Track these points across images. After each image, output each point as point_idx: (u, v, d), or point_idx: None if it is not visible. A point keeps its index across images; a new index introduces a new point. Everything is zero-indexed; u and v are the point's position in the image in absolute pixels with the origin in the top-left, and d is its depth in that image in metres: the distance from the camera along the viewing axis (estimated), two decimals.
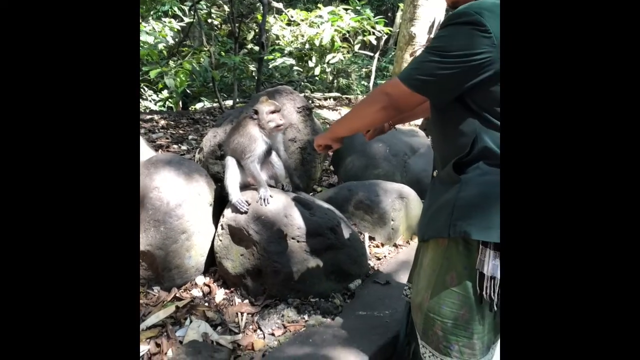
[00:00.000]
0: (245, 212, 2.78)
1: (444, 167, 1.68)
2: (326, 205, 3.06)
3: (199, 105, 7.54)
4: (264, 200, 2.78)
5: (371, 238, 3.48)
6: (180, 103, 8.16)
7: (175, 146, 5.11)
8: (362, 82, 10.13)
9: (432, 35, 7.59)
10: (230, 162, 2.90)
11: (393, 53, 11.53)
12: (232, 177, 2.86)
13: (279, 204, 2.81)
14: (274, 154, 2.97)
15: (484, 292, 1.58)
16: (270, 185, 2.93)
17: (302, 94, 8.11)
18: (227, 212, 2.89)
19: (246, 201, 2.81)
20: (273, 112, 2.77)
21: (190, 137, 5.57)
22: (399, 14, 13.06)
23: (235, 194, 2.84)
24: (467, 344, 1.68)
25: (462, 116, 1.57)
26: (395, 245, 3.52)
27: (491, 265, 1.55)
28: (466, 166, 1.59)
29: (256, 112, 2.81)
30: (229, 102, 6.92)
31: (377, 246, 3.45)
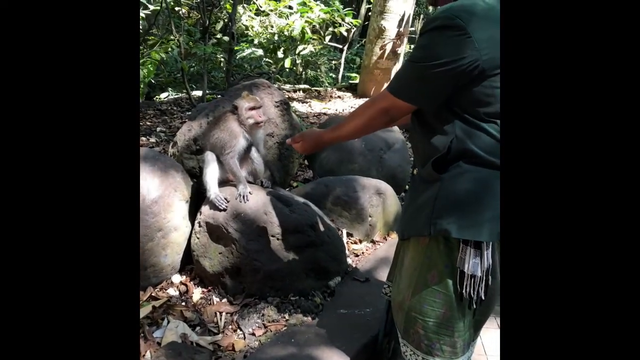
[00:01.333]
0: (224, 210, 2.72)
1: (423, 166, 1.67)
2: (305, 201, 3.02)
3: (163, 96, 7.35)
4: (243, 197, 2.72)
5: (349, 234, 3.46)
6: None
7: (143, 138, 4.96)
8: (331, 74, 10.09)
9: (401, 29, 7.62)
10: (210, 157, 2.82)
11: (359, 45, 11.54)
12: (212, 172, 2.79)
13: (258, 201, 2.76)
14: (253, 149, 2.91)
15: (464, 291, 1.60)
16: (249, 182, 2.87)
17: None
18: (205, 209, 2.82)
19: (225, 198, 2.75)
20: (252, 108, 2.70)
21: (158, 129, 5.42)
22: (364, 5, 13.07)
23: (213, 190, 2.76)
24: (448, 342, 1.69)
25: (441, 116, 1.56)
26: (373, 242, 3.51)
27: (471, 263, 1.56)
28: (446, 165, 1.58)
29: (236, 108, 2.74)
30: (198, 93, 6.77)
31: (355, 242, 3.43)
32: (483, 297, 1.61)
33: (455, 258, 1.59)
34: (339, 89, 8.82)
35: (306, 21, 6.68)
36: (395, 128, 4.52)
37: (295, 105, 7.20)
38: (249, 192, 2.75)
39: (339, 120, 4.48)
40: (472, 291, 1.59)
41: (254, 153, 2.91)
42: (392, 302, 1.89)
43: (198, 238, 2.83)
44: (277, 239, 2.70)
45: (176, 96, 7.26)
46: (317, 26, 7.36)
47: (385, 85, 7.16)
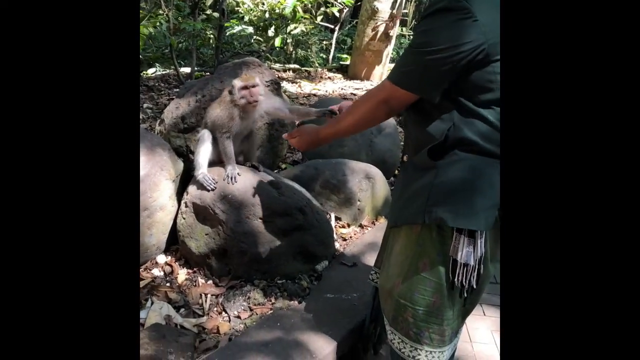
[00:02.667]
0: (213, 190, 2.67)
1: (416, 152, 1.64)
2: (294, 184, 2.98)
3: (150, 71, 7.21)
4: (232, 178, 2.67)
5: (337, 218, 3.44)
6: None
7: None
8: (321, 55, 9.97)
9: (394, 11, 7.53)
10: (206, 135, 2.76)
11: (350, 26, 11.41)
12: (204, 152, 2.73)
13: (246, 182, 2.71)
14: (252, 130, 2.84)
15: (456, 279, 1.58)
16: (239, 163, 2.81)
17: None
18: (192, 189, 2.77)
19: (214, 179, 2.69)
20: (245, 87, 2.63)
21: (145, 105, 5.32)
22: None
23: (202, 170, 2.71)
24: (437, 330, 1.68)
25: (439, 103, 1.52)
26: (361, 226, 3.49)
27: (465, 252, 1.54)
28: (442, 152, 1.55)
29: (232, 88, 2.67)
30: (186, 70, 6.64)
31: (343, 227, 3.41)
32: (475, 286, 1.59)
33: (448, 246, 1.57)
34: (330, 70, 8.73)
35: (298, 0, 6.56)
36: None
37: (285, 85, 7.12)
38: (237, 174, 2.70)
39: (330, 103, 4.44)
40: (464, 280, 1.57)
41: (252, 133, 2.84)
42: (380, 289, 1.87)
43: (184, 218, 2.78)
44: (265, 222, 2.66)
45: (164, 72, 7.13)
46: (309, 5, 7.23)
47: (378, 68, 7.08)
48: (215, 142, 2.75)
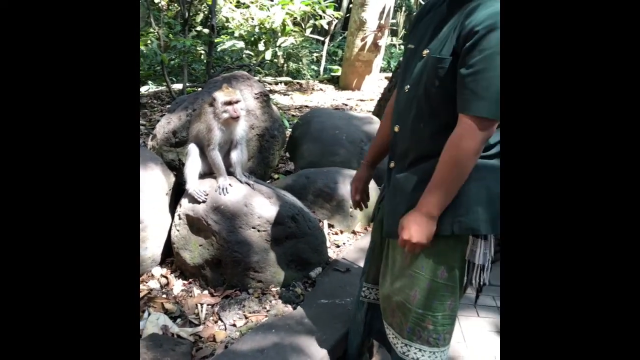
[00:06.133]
0: (203, 202, 2.72)
1: (416, 161, 1.67)
2: (285, 193, 3.02)
3: (144, 89, 7.28)
4: (223, 189, 2.72)
5: (330, 225, 3.48)
6: None
7: None
8: (312, 67, 10.07)
9: (382, 21, 7.62)
10: (193, 149, 2.81)
11: (341, 37, 11.52)
12: (192, 165, 2.78)
13: (238, 193, 2.76)
14: (237, 142, 2.89)
15: (474, 280, 1.65)
16: (230, 174, 2.86)
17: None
18: (184, 202, 2.81)
19: (204, 191, 2.74)
20: (229, 102, 2.67)
21: None
22: None
23: (192, 183, 2.76)
24: (449, 329, 1.76)
25: (454, 112, 1.51)
26: (354, 232, 3.53)
27: (482, 254, 1.61)
28: None
29: (214, 100, 2.72)
30: (178, 86, 6.72)
31: (336, 234, 3.45)
32: (487, 283, 1.66)
33: (464, 251, 1.63)
34: (321, 82, 8.82)
35: (287, 13, 6.64)
36: (376, 119, 4.54)
37: (277, 97, 7.19)
38: (229, 185, 2.75)
39: (322, 113, 4.49)
40: (480, 280, 1.65)
41: (236, 146, 2.89)
42: (385, 303, 1.87)
43: (178, 230, 2.83)
44: (258, 231, 2.71)
45: (156, 89, 7.20)
46: (298, 18, 7.33)
47: (368, 78, 7.04)
48: (203, 154, 2.80)
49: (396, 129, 1.76)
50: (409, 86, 1.68)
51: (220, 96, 2.69)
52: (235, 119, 2.72)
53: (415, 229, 1.59)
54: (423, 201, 1.58)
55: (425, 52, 1.59)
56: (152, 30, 5.71)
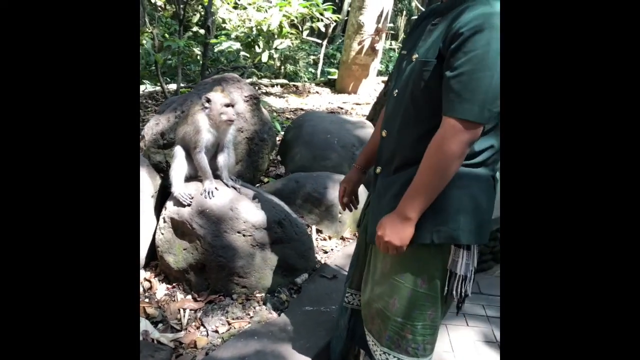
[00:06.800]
0: (189, 205, 2.68)
1: (404, 166, 1.64)
2: (273, 197, 2.99)
3: (141, 88, 7.26)
4: (209, 193, 2.68)
5: (319, 231, 3.45)
6: None
7: None
8: (310, 69, 10.05)
9: (380, 25, 7.60)
10: (179, 152, 2.78)
11: (341, 40, 11.51)
12: (178, 168, 2.74)
13: (224, 197, 2.72)
14: (224, 145, 2.85)
15: (454, 291, 1.61)
16: (217, 177, 2.83)
17: (249, 80, 7.96)
18: (170, 205, 2.78)
19: (189, 194, 2.71)
20: (228, 105, 2.66)
21: None
22: (347, 1, 13.03)
23: (177, 186, 2.72)
24: (430, 340, 1.72)
25: (440, 117, 1.48)
26: (343, 238, 3.50)
27: (464, 264, 1.58)
28: None
29: (208, 101, 2.68)
30: (173, 87, 6.69)
31: (325, 239, 3.42)
32: (469, 294, 1.63)
33: (446, 260, 1.60)
34: (318, 85, 8.78)
35: (284, 15, 6.62)
36: (369, 124, 4.51)
37: (272, 100, 7.16)
38: (215, 188, 2.71)
39: (314, 116, 4.46)
40: (461, 290, 1.61)
41: (223, 149, 2.86)
42: (365, 310, 1.85)
43: (162, 234, 2.79)
44: (243, 236, 2.67)
45: (152, 89, 7.17)
46: (296, 20, 7.31)
47: (365, 82, 7.00)
48: (189, 157, 2.76)
49: (384, 133, 1.75)
50: (397, 90, 1.67)
51: (219, 98, 2.67)
52: (231, 122, 2.70)
53: (390, 228, 1.57)
54: (402, 203, 1.56)
55: (415, 56, 1.58)
56: (147, 29, 5.68)
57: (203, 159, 2.72)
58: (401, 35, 12.62)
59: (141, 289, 2.76)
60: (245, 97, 3.36)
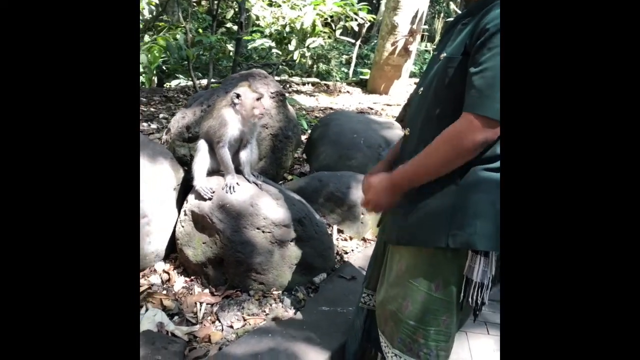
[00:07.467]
0: (209, 199, 2.68)
1: None
2: (294, 195, 2.97)
3: (174, 83, 7.33)
4: (230, 188, 2.68)
5: (340, 231, 3.41)
6: (156, 79, 7.92)
7: (144, 124, 4.95)
8: (342, 69, 10.01)
9: (414, 26, 7.52)
10: (202, 146, 2.78)
11: (375, 41, 11.45)
12: (201, 161, 2.75)
13: (245, 192, 2.72)
14: (247, 141, 2.85)
15: (470, 298, 1.55)
16: (239, 173, 2.82)
17: (280, 78, 7.97)
18: (191, 198, 2.78)
19: (211, 188, 2.71)
20: (259, 98, 2.66)
21: (161, 115, 5.41)
22: (383, 1, 12.94)
23: (199, 180, 2.73)
24: (444, 347, 1.67)
25: None
26: (364, 240, 3.46)
27: (480, 271, 1.52)
28: (464, 170, 1.49)
29: (238, 96, 2.67)
30: (204, 82, 6.74)
31: (345, 240, 3.38)
32: (486, 302, 1.57)
33: (462, 266, 1.55)
34: (349, 84, 8.75)
35: (317, 14, 6.59)
36: (396, 125, 4.45)
37: (302, 98, 7.15)
38: (237, 183, 2.71)
39: (341, 116, 4.42)
40: (478, 298, 1.55)
41: (246, 144, 2.85)
42: (379, 311, 1.82)
43: (183, 227, 2.80)
44: (263, 232, 2.66)
45: (184, 84, 7.25)
46: (329, 19, 7.28)
47: (397, 83, 6.97)
48: (213, 151, 2.76)
49: (407, 132, 1.73)
50: (422, 88, 1.65)
51: (249, 92, 2.67)
52: (262, 115, 2.71)
53: (375, 187, 1.66)
54: (398, 171, 1.60)
55: (443, 55, 1.56)
56: (181, 24, 5.73)
57: (226, 154, 2.72)
58: (437, 38, 12.47)
59: (159, 281, 2.77)
60: (272, 93, 3.35)
